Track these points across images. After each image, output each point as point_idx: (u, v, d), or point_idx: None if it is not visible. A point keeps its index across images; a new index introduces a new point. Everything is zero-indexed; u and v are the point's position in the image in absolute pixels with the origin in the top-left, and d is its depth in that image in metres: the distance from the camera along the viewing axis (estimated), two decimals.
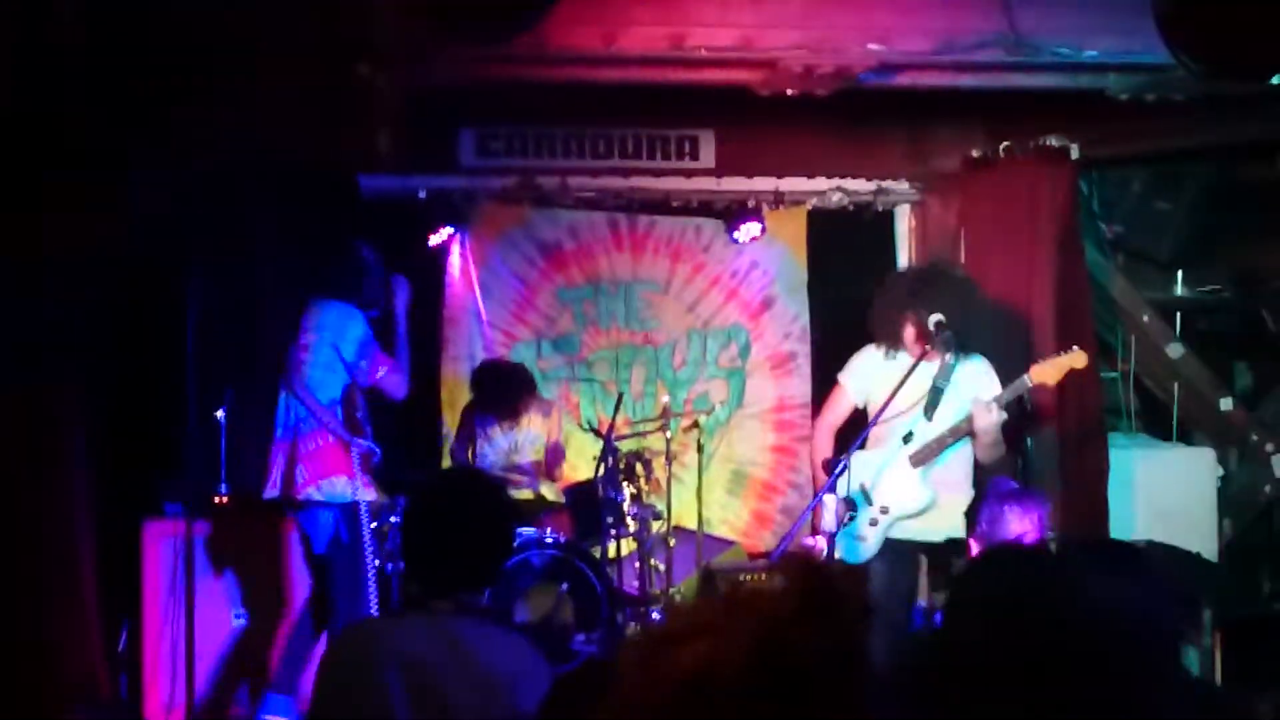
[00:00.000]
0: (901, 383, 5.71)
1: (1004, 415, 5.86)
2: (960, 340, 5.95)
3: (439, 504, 3.70)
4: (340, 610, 5.94)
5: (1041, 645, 2.09)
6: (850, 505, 5.86)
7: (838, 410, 6.22)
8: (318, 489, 5.95)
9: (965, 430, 5.91)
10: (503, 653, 3.38)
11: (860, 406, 6.15)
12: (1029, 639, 2.25)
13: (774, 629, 1.50)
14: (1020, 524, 4.69)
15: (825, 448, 6.12)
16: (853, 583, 1.57)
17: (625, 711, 1.54)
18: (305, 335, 6.08)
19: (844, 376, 6.25)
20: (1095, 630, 2.56)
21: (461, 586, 3.51)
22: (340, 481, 5.96)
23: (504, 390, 7.87)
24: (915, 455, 5.93)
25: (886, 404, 5.72)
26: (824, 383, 8.24)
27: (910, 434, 5.93)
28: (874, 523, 5.89)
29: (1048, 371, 5.96)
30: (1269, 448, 7.64)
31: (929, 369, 5.89)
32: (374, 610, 5.86)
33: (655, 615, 7.71)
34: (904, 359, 5.93)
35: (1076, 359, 5.97)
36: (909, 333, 5.92)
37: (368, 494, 6.04)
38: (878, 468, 5.94)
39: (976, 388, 5.99)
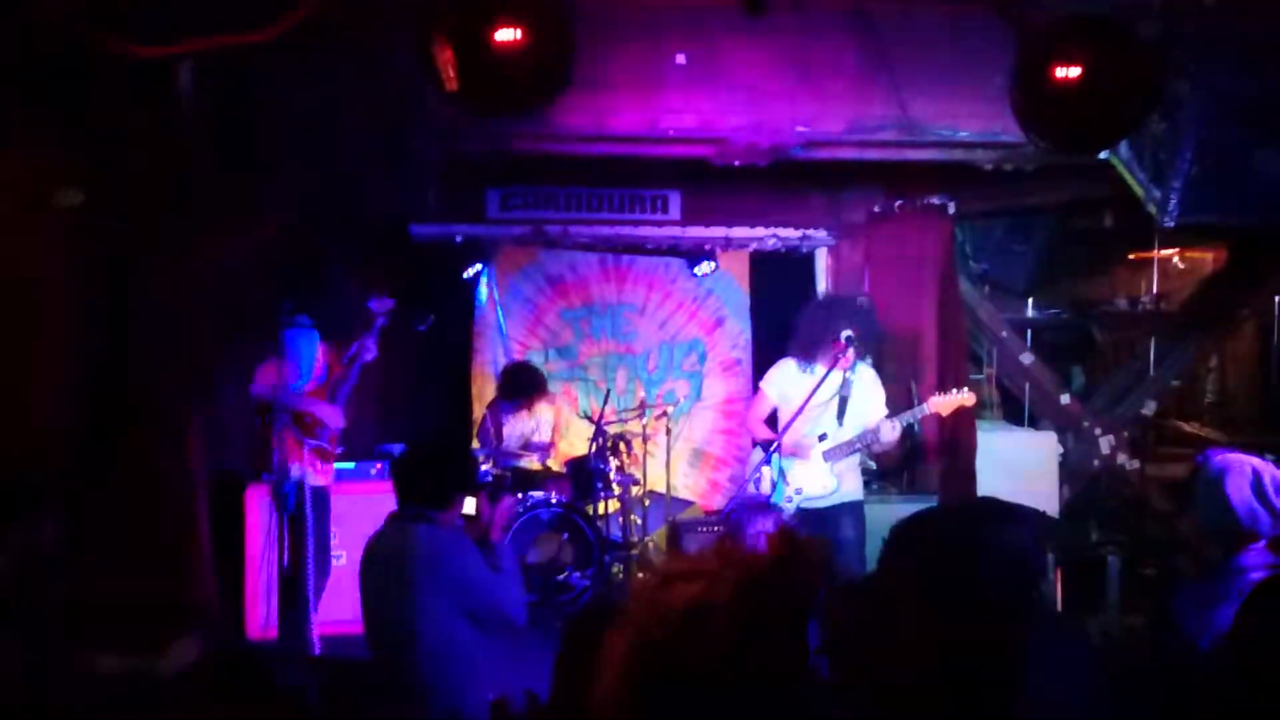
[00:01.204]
0: (816, 388, 5.71)
1: (900, 431, 5.85)
2: (863, 350, 5.94)
3: (403, 457, 4.18)
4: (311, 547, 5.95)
5: (956, 579, 2.08)
6: (774, 486, 5.87)
7: (761, 408, 6.13)
8: (283, 470, 5.89)
9: (871, 441, 5.90)
10: (437, 540, 3.86)
11: (776, 404, 6.12)
12: (949, 575, 2.25)
13: (755, 576, 1.54)
14: (760, 524, 4.76)
15: (760, 432, 6.11)
16: (819, 550, 1.62)
17: (636, 634, 1.56)
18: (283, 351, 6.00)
19: (764, 384, 6.14)
20: (995, 566, 2.59)
21: (419, 503, 3.94)
22: (294, 467, 5.88)
23: (522, 386, 7.86)
24: (828, 453, 5.88)
25: (803, 405, 5.67)
26: None
27: (824, 435, 5.90)
28: (789, 499, 5.88)
29: (942, 405, 5.84)
30: (1097, 431, 7.67)
31: (836, 377, 5.84)
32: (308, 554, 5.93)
33: (636, 555, 7.72)
34: (818, 370, 5.84)
35: (967, 399, 5.88)
36: (833, 348, 5.80)
37: (316, 480, 5.96)
38: (797, 457, 5.92)
39: (869, 392, 5.96)
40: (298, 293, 6.11)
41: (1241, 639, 2.22)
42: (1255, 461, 3.34)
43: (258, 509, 6.45)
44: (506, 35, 3.94)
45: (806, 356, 5.94)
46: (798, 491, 5.87)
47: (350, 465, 6.66)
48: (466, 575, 3.85)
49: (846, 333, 5.78)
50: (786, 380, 6.01)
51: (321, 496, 6.02)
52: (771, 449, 5.76)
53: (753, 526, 4.75)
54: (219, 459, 6.27)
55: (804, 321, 6.05)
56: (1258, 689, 2.07)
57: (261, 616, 6.26)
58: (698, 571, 1.55)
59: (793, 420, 5.73)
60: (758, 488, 5.82)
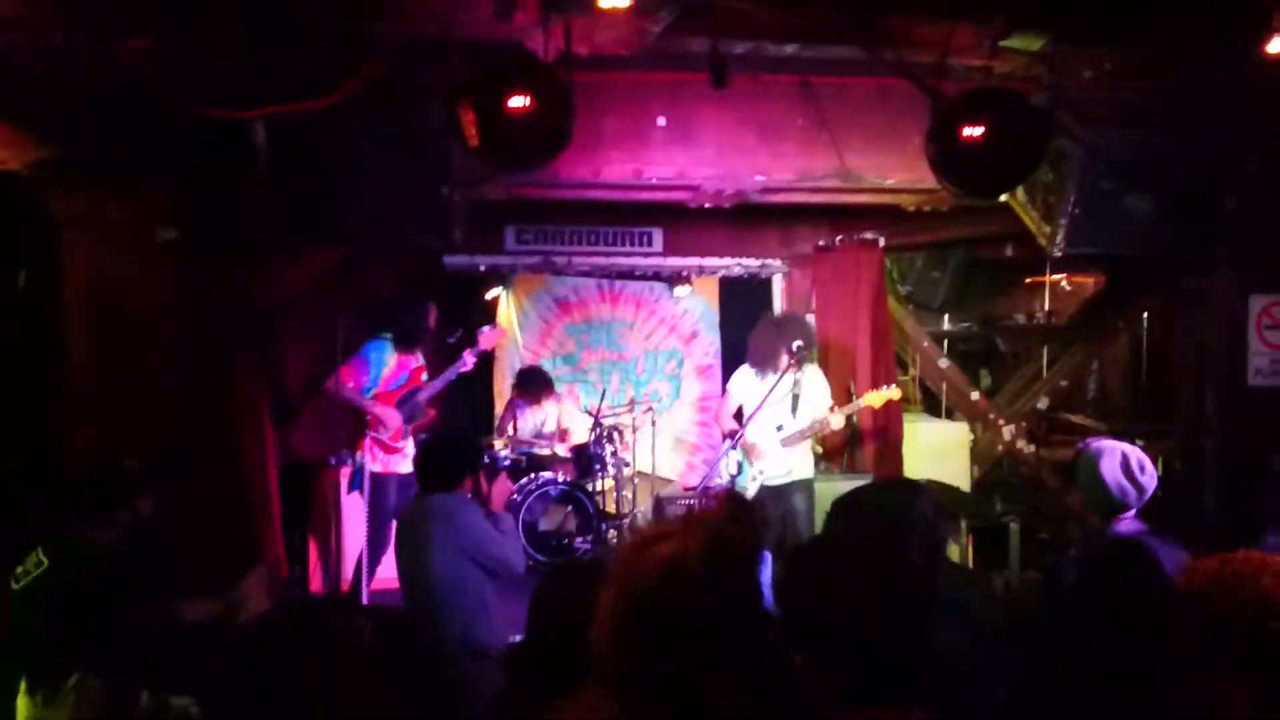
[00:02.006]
0: (772, 388, 5.75)
1: (844, 419, 5.95)
2: (807, 356, 6.00)
3: (423, 448, 4.26)
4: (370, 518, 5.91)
5: (884, 541, 2.10)
6: (740, 468, 5.90)
7: (727, 407, 6.21)
8: (357, 456, 5.91)
9: (820, 429, 5.93)
10: (448, 505, 3.97)
11: (739, 403, 6.14)
12: (878, 536, 2.28)
13: (716, 532, 1.55)
14: None
15: (727, 425, 6.14)
16: (758, 507, 1.68)
17: (621, 588, 1.56)
18: (357, 357, 6.02)
19: (729, 387, 6.25)
20: (911, 529, 2.61)
21: (436, 482, 4.05)
22: (359, 454, 5.89)
23: (533, 385, 7.86)
24: (784, 440, 5.91)
25: (763, 402, 5.73)
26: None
27: (781, 426, 5.92)
28: (754, 479, 5.90)
29: (874, 398, 6.05)
30: (1000, 422, 7.69)
31: (788, 380, 5.87)
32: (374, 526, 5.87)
33: (627, 524, 7.71)
34: (770, 376, 5.89)
35: (894, 393, 6.09)
36: (782, 358, 5.88)
37: (374, 465, 5.93)
38: (758, 446, 5.93)
39: (816, 389, 6.00)
40: (372, 313, 6.13)
41: (1085, 583, 2.32)
42: (1125, 446, 3.37)
43: (324, 488, 6.40)
44: (518, 103, 3.96)
45: (761, 365, 5.99)
46: (760, 473, 5.90)
47: None
48: (472, 529, 3.93)
49: (798, 343, 5.83)
50: (745, 384, 6.09)
51: (378, 480, 5.97)
52: (737, 438, 5.80)
53: None
54: (293, 446, 6.26)
55: (759, 337, 6.10)
56: (1098, 621, 2.14)
57: (321, 574, 6.25)
58: (667, 534, 1.56)
59: (755, 414, 5.77)
60: (727, 470, 5.87)
